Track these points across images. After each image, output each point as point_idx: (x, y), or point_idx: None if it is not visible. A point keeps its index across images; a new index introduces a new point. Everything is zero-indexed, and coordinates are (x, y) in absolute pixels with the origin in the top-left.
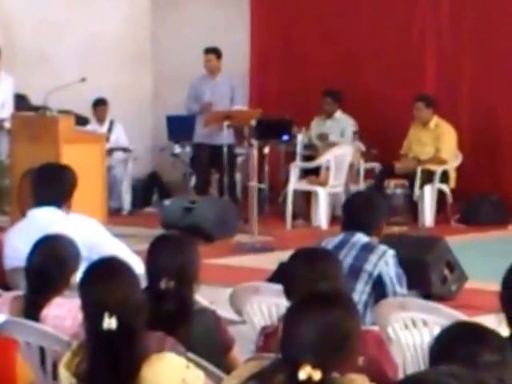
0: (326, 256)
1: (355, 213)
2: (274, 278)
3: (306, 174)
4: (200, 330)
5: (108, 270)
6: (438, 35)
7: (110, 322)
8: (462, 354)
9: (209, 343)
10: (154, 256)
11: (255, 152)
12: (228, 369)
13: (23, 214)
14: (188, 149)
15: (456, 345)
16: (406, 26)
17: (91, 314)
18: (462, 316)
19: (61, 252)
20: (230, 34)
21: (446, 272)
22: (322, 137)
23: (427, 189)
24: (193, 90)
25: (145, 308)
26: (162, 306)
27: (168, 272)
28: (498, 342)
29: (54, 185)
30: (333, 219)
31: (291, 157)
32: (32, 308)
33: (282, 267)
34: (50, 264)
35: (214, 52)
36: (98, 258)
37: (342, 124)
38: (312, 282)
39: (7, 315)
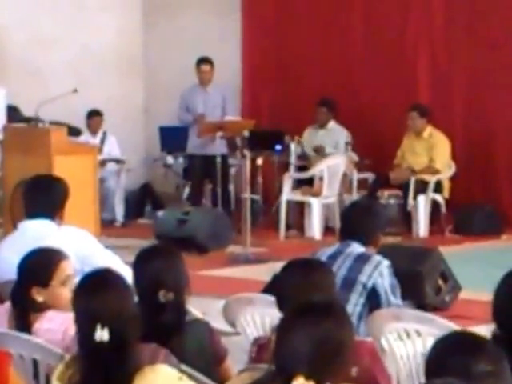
0: (319, 267)
1: (353, 222)
2: (268, 289)
3: (299, 184)
4: (193, 341)
5: (101, 281)
6: (431, 45)
7: (102, 334)
8: (456, 364)
9: (202, 354)
10: (147, 268)
11: (248, 163)
12: (221, 380)
13: (15, 226)
14: (181, 160)
15: (450, 355)
16: (400, 36)
17: (84, 326)
18: (455, 326)
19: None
20: (223, 45)
21: (440, 282)
22: (319, 149)
23: (421, 199)
24: (184, 101)
25: (137, 320)
26: (162, 318)
27: (166, 284)
28: (492, 352)
29: (45, 196)
30: (326, 230)
31: (284, 167)
32: (19, 320)
33: (276, 279)
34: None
35: (209, 62)
36: (91, 270)
37: (335, 135)
38: (305, 293)
39: (5, 327)
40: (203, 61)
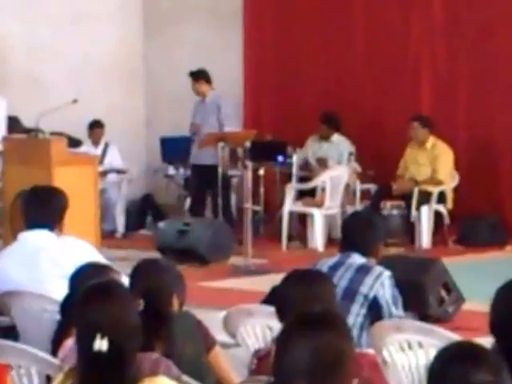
0: (319, 278)
1: (353, 233)
2: (267, 301)
3: (301, 195)
4: (182, 330)
5: (105, 291)
6: (433, 55)
7: (101, 344)
8: (456, 374)
9: (191, 342)
10: (130, 281)
11: (249, 173)
12: (211, 367)
13: (15, 237)
14: (182, 170)
15: (450, 365)
16: (402, 46)
17: (84, 335)
18: (458, 338)
19: None
20: (224, 56)
21: (443, 293)
22: (321, 162)
23: (424, 210)
24: (192, 114)
25: (139, 331)
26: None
27: (140, 292)
28: (493, 362)
29: (44, 207)
30: (329, 241)
31: (287, 178)
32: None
33: (275, 290)
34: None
35: (191, 76)
36: (96, 280)
37: (340, 148)
38: (305, 304)
39: None
40: (189, 75)
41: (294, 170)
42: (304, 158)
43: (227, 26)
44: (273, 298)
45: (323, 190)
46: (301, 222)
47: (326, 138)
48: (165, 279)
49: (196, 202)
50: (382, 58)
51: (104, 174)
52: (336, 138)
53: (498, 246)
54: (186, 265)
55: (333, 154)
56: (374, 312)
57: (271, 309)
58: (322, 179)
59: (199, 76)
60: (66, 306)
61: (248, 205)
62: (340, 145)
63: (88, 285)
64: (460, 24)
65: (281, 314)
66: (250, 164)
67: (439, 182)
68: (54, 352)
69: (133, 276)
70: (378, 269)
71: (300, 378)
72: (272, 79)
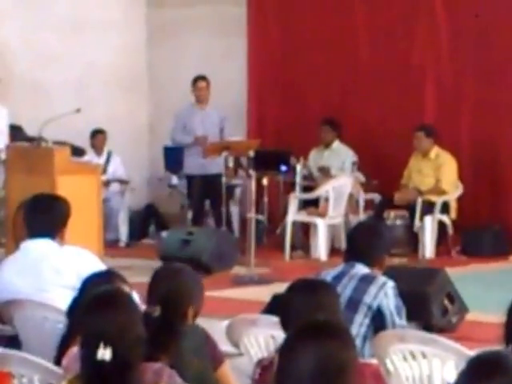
0: (323, 287)
1: (359, 244)
2: (268, 310)
3: (305, 205)
4: (191, 344)
5: (109, 300)
6: (437, 65)
7: (104, 353)
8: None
9: (200, 357)
10: (149, 284)
11: (253, 183)
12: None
13: (18, 246)
14: (185, 180)
15: (466, 379)
16: (406, 56)
17: (87, 343)
18: (461, 348)
19: None
20: (228, 64)
21: (447, 303)
22: (324, 170)
23: (428, 220)
24: (181, 121)
25: (142, 342)
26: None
27: (157, 298)
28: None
29: (46, 216)
30: (332, 251)
31: (290, 188)
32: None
33: (276, 299)
34: None
35: (205, 79)
36: (103, 288)
37: (341, 155)
38: (309, 314)
39: None
40: (199, 78)
41: (298, 179)
42: (308, 170)
43: (231, 35)
44: (273, 307)
45: (326, 199)
46: (304, 231)
47: (328, 143)
48: (185, 288)
49: (196, 211)
50: (386, 69)
51: (107, 183)
52: (336, 145)
53: (502, 256)
54: None
55: (334, 162)
56: (378, 322)
57: (274, 318)
58: (326, 189)
59: (209, 82)
60: (74, 308)
61: (251, 214)
62: (341, 152)
63: (93, 293)
64: (464, 35)
65: (284, 324)
66: (253, 173)
67: (443, 192)
68: (59, 359)
69: (153, 280)
70: (382, 279)
71: None
72: (276, 88)
